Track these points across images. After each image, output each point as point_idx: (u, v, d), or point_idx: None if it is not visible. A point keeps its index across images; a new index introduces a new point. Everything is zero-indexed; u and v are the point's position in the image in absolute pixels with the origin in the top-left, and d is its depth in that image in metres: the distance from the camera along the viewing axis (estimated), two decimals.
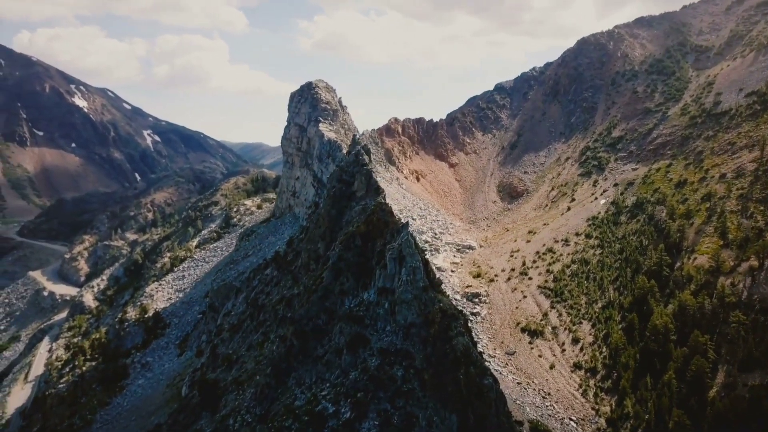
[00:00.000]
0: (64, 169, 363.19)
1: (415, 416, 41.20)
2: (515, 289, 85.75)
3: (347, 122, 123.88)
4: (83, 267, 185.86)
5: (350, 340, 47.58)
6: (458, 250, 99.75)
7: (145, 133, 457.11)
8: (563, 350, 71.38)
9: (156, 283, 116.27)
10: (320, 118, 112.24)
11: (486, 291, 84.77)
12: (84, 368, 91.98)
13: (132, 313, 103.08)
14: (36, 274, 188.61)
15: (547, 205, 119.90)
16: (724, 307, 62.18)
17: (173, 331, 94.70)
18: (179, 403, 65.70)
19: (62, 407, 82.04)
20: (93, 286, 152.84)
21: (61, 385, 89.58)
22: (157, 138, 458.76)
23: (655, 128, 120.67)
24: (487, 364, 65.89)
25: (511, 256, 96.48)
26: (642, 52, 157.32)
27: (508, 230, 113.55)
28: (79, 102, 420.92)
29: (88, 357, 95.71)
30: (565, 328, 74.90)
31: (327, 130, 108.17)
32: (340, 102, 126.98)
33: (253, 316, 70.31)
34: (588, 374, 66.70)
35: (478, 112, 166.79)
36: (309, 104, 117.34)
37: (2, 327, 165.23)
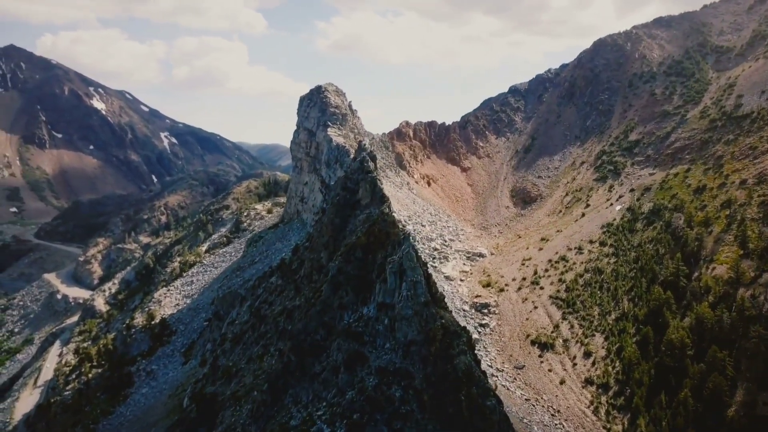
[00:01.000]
0: (81, 171, 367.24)
1: None
2: (526, 299, 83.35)
3: (357, 126, 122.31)
4: (97, 270, 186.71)
5: (348, 357, 45.86)
6: (468, 258, 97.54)
7: (162, 135, 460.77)
8: (574, 364, 68.94)
9: (165, 288, 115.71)
10: (329, 123, 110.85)
11: (495, 301, 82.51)
12: (90, 375, 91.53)
13: (139, 319, 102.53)
14: (50, 277, 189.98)
15: (560, 211, 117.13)
16: (744, 320, 59.23)
17: (179, 339, 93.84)
18: (179, 416, 64.57)
19: (66, 415, 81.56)
20: (104, 290, 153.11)
21: (67, 393, 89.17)
22: (173, 140, 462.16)
23: (673, 132, 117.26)
24: (494, 378, 63.95)
25: (523, 264, 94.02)
26: (660, 53, 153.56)
27: (520, 237, 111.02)
28: (98, 104, 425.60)
29: (95, 364, 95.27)
30: (577, 341, 72.42)
31: (335, 134, 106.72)
32: (350, 106, 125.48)
33: (254, 327, 68.95)
34: (600, 390, 64.24)
35: (492, 115, 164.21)
36: (318, 108, 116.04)
37: (16, 329, 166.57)
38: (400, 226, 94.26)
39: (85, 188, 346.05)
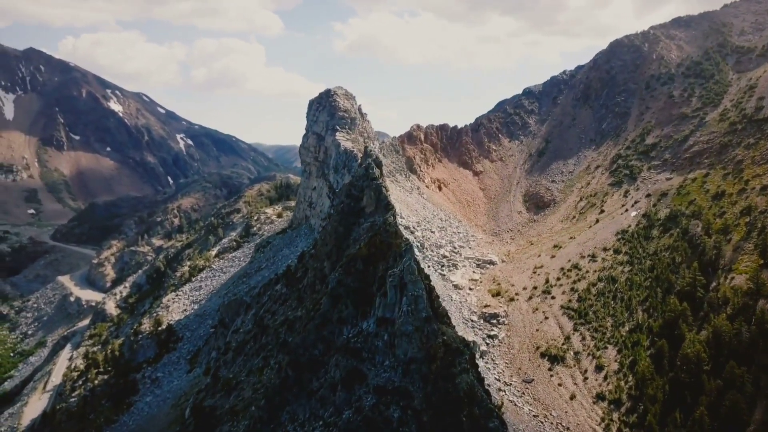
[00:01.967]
0: (98, 173, 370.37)
1: None
2: (536, 309, 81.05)
3: (366, 130, 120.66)
4: (110, 273, 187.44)
5: (346, 375, 44.29)
6: (478, 266, 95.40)
7: (178, 136, 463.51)
8: (585, 378, 66.62)
9: (173, 293, 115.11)
10: (337, 127, 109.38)
11: (505, 311, 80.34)
12: (96, 382, 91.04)
13: (146, 325, 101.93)
14: (64, 279, 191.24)
15: (574, 217, 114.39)
16: (764, 334, 56.78)
17: (185, 345, 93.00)
18: (179, 427, 63.52)
19: (71, 423, 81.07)
20: (116, 294, 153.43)
21: (73, 399, 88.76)
22: (189, 142, 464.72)
23: (691, 135, 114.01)
24: (501, 393, 61.94)
25: (534, 272, 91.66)
26: (679, 54, 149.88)
27: (532, 244, 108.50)
28: (115, 106, 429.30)
29: (101, 370, 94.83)
30: (589, 354, 70.09)
31: (344, 139, 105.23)
32: (359, 110, 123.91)
33: (256, 337, 67.69)
34: (611, 406, 61.91)
35: (505, 118, 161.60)
36: (327, 112, 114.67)
37: (30, 332, 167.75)
38: (409, 233, 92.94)
39: (102, 190, 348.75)
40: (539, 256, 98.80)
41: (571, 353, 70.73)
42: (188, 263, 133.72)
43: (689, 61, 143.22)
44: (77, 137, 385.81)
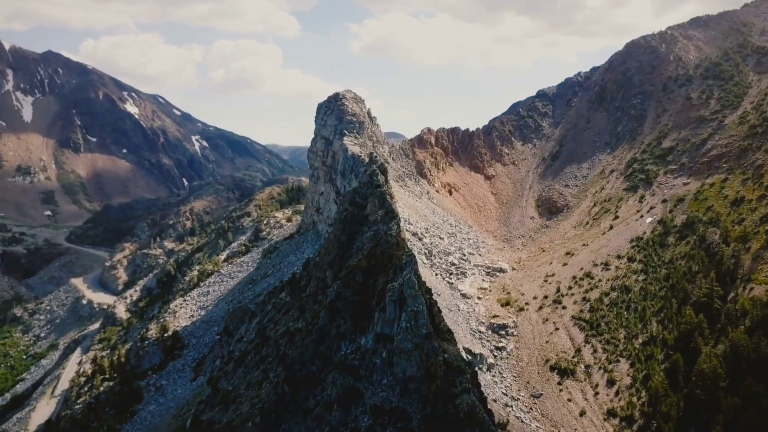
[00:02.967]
0: (114, 175, 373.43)
1: None
2: (547, 319, 78.77)
3: (375, 134, 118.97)
4: (122, 275, 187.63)
5: (342, 393, 42.66)
6: (488, 273, 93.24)
7: (194, 138, 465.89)
8: (596, 393, 64.34)
9: (181, 298, 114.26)
10: (345, 131, 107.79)
11: (514, 322, 78.17)
12: (101, 388, 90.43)
13: (153, 331, 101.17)
14: (77, 282, 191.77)
15: (588, 223, 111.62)
16: None
17: (190, 353, 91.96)
18: None
19: (74, 431, 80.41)
20: (126, 297, 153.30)
21: (78, 406, 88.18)
22: (204, 143, 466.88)
23: (709, 138, 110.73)
24: (508, 409, 59.92)
25: (545, 281, 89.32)
26: (697, 55, 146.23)
27: (544, 251, 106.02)
28: (131, 108, 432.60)
29: (107, 376, 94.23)
30: (600, 367, 67.76)
31: (352, 143, 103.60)
32: (368, 113, 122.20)
33: (258, 348, 66.34)
34: (623, 424, 59.65)
35: (518, 120, 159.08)
36: (335, 116, 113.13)
37: (43, 334, 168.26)
38: (417, 240, 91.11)
39: (118, 192, 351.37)
40: (551, 263, 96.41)
41: (582, 366, 68.49)
42: (197, 267, 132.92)
43: (708, 62, 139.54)
44: (94, 139, 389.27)
